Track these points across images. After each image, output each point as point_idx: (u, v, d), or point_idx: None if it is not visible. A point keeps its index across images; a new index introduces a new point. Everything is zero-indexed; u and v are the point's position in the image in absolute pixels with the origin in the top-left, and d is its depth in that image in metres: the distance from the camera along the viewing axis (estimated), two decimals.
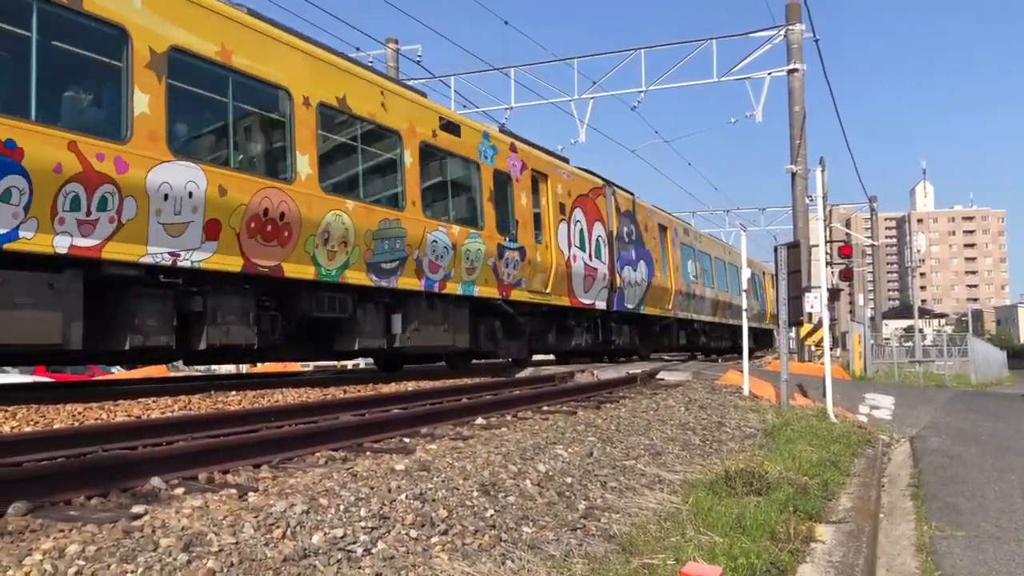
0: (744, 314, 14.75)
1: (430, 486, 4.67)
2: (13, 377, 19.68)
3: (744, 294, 14.99)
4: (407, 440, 6.85)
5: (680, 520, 4.88)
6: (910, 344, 45.91)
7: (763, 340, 39.55)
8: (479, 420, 8.20)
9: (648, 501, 5.43)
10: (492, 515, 4.39)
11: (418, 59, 27.86)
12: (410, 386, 12.61)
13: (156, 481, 4.63)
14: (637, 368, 16.03)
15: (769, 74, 25.67)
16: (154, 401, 8.71)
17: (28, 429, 6.82)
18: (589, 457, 6.34)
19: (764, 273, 39.41)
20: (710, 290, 28.99)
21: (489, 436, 6.96)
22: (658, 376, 15.42)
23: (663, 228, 24.42)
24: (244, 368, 24.22)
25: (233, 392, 10.00)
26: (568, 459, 6.08)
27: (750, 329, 31.98)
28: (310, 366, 23.41)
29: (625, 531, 4.57)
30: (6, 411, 7.35)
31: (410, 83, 20.84)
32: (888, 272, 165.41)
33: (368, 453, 6.11)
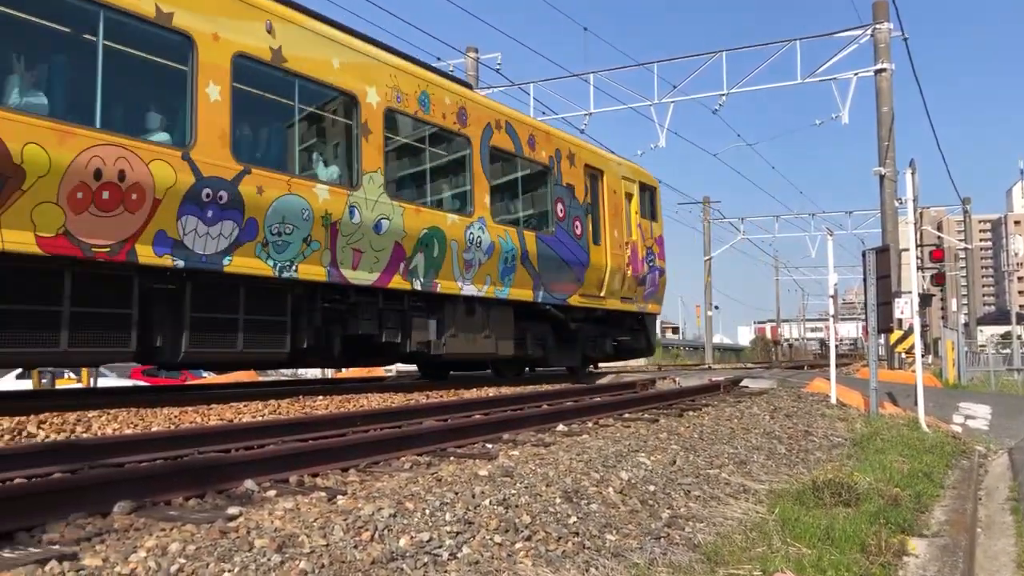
0: (832, 322, 14.39)
1: (513, 492, 4.71)
2: (112, 381, 20.55)
3: (830, 300, 14.61)
4: (490, 446, 6.91)
5: (766, 530, 4.81)
6: (1008, 351, 44.08)
7: (593, 339, 17.23)
8: (560, 427, 8.22)
9: (733, 510, 5.36)
10: (575, 522, 4.40)
11: (497, 67, 28.07)
12: (491, 392, 12.71)
13: (249, 483, 4.78)
14: (720, 376, 15.81)
15: (856, 74, 25.01)
16: (245, 405, 8.98)
17: (128, 431, 7.12)
18: (672, 465, 6.29)
19: (598, 173, 16.90)
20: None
21: (571, 443, 6.98)
22: (742, 384, 15.21)
23: None
24: (330, 373, 24.73)
25: (320, 397, 10.24)
26: (651, 467, 6.05)
27: (541, 313, 14.61)
28: (392, 370, 23.76)
29: (710, 540, 4.53)
30: (108, 414, 7.68)
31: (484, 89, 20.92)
32: (983, 276, 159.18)
33: (452, 458, 6.19)
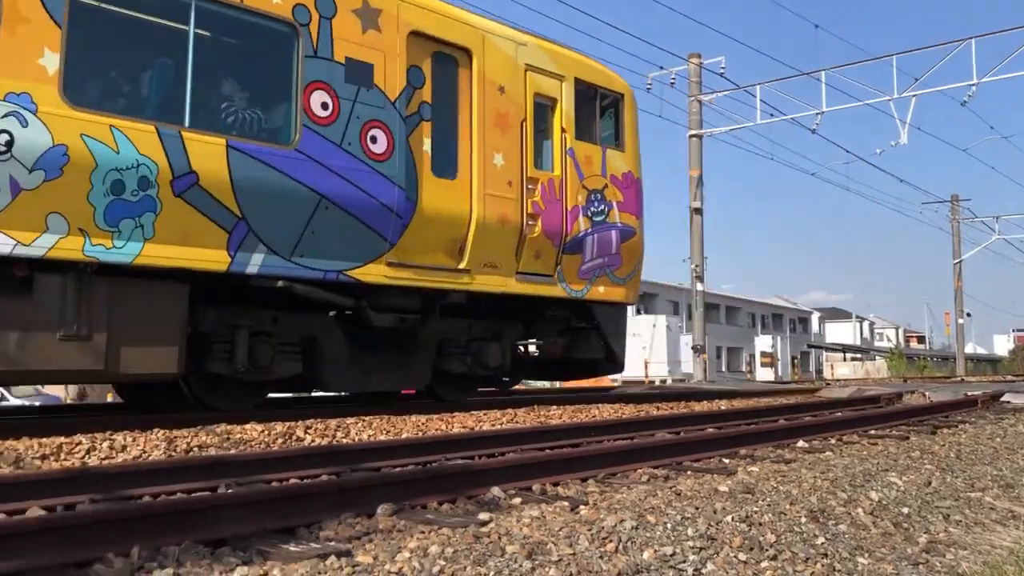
0: None
1: (755, 509, 4.62)
2: None
3: None
4: (727, 460, 6.80)
5: None
6: None
7: (463, 346, 10.38)
8: (800, 443, 7.93)
9: (1001, 538, 4.96)
10: (823, 543, 4.26)
11: (721, 71, 27.53)
12: (723, 405, 12.47)
13: (496, 490, 5.00)
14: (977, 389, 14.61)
15: None
16: (485, 414, 9.38)
17: (382, 437, 7.66)
18: (927, 487, 5.91)
19: (455, 53, 9.77)
20: None
21: (813, 460, 6.72)
22: (1003, 399, 13.98)
23: None
24: (558, 383, 25.18)
25: (554, 407, 10.50)
26: (903, 488, 5.72)
27: (291, 298, 8.39)
28: (618, 380, 23.79)
29: (976, 570, 4.23)
30: (363, 420, 8.30)
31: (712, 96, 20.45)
32: None
33: (689, 472, 6.15)
